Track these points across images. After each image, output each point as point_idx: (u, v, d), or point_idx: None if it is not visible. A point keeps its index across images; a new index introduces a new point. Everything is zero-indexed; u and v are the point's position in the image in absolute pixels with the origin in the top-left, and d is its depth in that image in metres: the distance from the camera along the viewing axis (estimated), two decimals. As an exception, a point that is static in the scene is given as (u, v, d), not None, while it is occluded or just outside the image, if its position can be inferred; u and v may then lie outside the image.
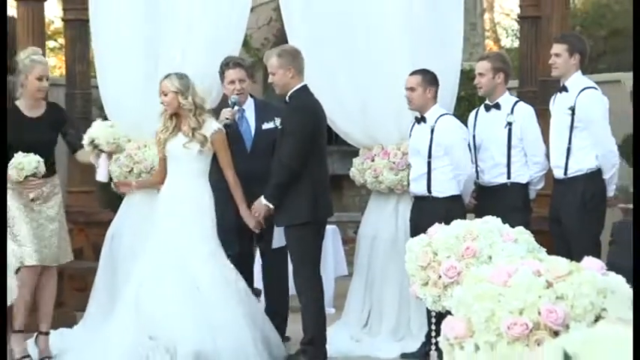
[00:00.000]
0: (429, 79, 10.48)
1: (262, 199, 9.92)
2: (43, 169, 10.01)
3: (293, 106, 10.05)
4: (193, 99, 9.94)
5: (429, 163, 10.43)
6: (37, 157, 9.95)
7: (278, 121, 10.19)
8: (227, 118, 10.54)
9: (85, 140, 10.22)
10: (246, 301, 10.10)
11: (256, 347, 9.74)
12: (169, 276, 9.89)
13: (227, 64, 10.82)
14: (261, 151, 10.50)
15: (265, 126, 10.53)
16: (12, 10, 14.34)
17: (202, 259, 10.03)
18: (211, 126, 10.17)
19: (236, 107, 10.69)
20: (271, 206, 9.94)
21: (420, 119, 10.56)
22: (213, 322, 9.66)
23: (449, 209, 9.74)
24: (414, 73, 10.49)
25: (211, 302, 9.80)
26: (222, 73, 10.84)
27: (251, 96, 11.00)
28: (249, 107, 10.70)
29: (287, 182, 10.01)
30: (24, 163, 9.84)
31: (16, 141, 9.94)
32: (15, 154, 9.85)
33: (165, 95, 9.88)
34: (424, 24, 10.99)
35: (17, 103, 10.37)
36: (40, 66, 10.35)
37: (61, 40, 15.15)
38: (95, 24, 11.25)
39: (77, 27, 13.12)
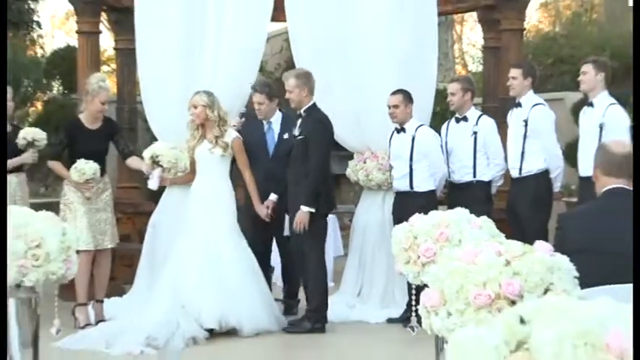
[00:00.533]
0: (408, 97, 10.54)
1: (303, 208, 9.83)
2: (98, 174, 10.24)
3: (314, 120, 10.00)
4: (218, 112, 10.07)
5: (411, 165, 10.51)
6: (96, 165, 10.14)
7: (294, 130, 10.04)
8: (233, 125, 10.70)
9: (147, 154, 10.73)
10: (258, 276, 10.29)
11: (265, 311, 10.00)
12: (198, 257, 10.09)
13: (253, 88, 10.99)
14: (280, 156, 10.37)
15: (285, 136, 10.35)
16: (73, 40, 14.30)
17: (225, 243, 10.23)
18: (231, 134, 10.33)
19: (243, 118, 11.19)
20: (313, 211, 9.87)
21: (401, 130, 10.63)
22: (233, 293, 9.88)
23: (428, 201, 9.80)
24: (395, 92, 10.54)
25: (232, 277, 10.01)
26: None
27: (280, 110, 10.94)
28: (277, 121, 10.62)
29: (319, 186, 10.03)
30: (85, 169, 10.02)
31: (78, 148, 10.18)
32: (77, 160, 9.99)
33: (196, 108, 9.97)
34: (407, 53, 10.97)
35: (80, 116, 10.47)
36: (105, 92, 10.49)
37: (113, 65, 15.13)
38: (140, 53, 11.23)
39: (126, 54, 13.05)
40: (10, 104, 11.20)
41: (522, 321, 2.62)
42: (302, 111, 10.04)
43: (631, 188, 6.14)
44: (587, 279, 4.56)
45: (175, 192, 11.26)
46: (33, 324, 6.35)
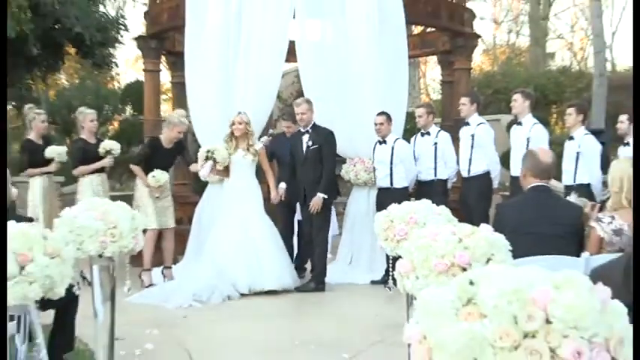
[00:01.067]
0: (389, 117, 10.59)
1: (319, 194, 10.01)
2: (168, 182, 10.67)
3: (325, 133, 10.16)
4: (250, 128, 10.32)
5: (391, 168, 10.62)
6: (167, 175, 10.57)
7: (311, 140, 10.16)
8: (262, 141, 10.71)
9: (204, 150, 10.46)
10: (281, 247, 10.34)
11: (286, 273, 10.11)
12: (233, 236, 10.13)
13: (282, 115, 12.44)
14: (309, 161, 10.23)
15: (311, 146, 10.20)
16: (141, 76, 14.26)
17: (254, 224, 10.29)
18: (258, 145, 10.52)
19: (271, 137, 11.24)
20: (326, 197, 10.07)
21: (383, 142, 10.66)
22: (261, 263, 9.97)
23: (402, 195, 9.68)
24: (380, 114, 10.56)
25: (260, 250, 10.09)
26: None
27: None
28: (306, 134, 10.33)
29: (332, 181, 10.27)
30: (160, 178, 10.38)
31: (155, 161, 10.41)
32: (154, 169, 10.34)
33: (240, 124, 10.17)
34: (386, 85, 10.87)
35: (160, 137, 10.68)
36: (184, 126, 10.71)
37: (170, 94, 15.07)
38: (189, 85, 11.18)
39: (179, 87, 12.92)
40: (94, 123, 11.20)
41: (471, 283, 2.57)
42: (309, 127, 10.19)
43: (549, 186, 6.20)
44: (517, 252, 4.55)
45: (214, 188, 11.28)
46: (110, 284, 6.31)
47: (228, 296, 9.63)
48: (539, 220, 5.95)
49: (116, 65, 17.57)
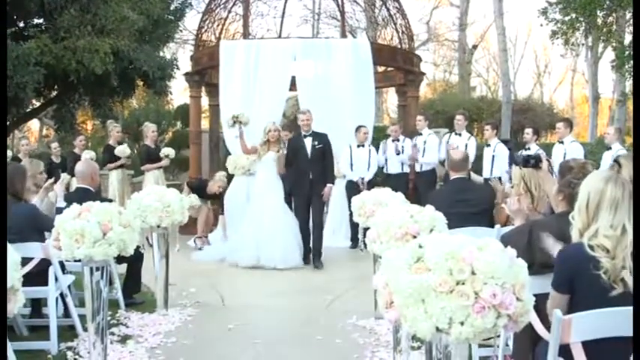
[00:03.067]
0: (367, 129, 10.49)
1: (329, 185, 8.87)
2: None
3: (325, 136, 9.01)
4: (282, 135, 9.42)
5: (368, 167, 10.42)
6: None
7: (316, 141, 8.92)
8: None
9: (230, 116, 9.52)
10: (295, 229, 8.82)
11: (296, 254, 8.70)
12: (262, 220, 8.87)
13: (283, 127, 10.65)
14: (315, 158, 8.88)
15: (317, 145, 8.90)
16: (188, 100, 14.11)
17: (275, 209, 8.94)
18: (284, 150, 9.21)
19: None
20: (333, 185, 9.00)
21: (361, 145, 10.37)
22: (272, 240, 8.68)
23: (369, 185, 9.55)
24: (363, 126, 10.47)
25: (278, 230, 8.76)
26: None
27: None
28: (309, 137, 8.95)
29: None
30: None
31: None
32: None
33: (276, 131, 9.03)
34: (360, 108, 10.59)
35: None
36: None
37: (207, 114, 14.93)
38: (222, 108, 10.97)
39: (214, 108, 12.80)
40: (155, 134, 11.08)
41: (420, 246, 2.52)
42: (312, 132, 8.97)
43: (465, 177, 6.18)
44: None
45: (238, 181, 10.53)
46: (165, 246, 6.26)
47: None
48: (459, 203, 5.81)
49: (170, 93, 17.40)
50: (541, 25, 15.09)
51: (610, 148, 9.65)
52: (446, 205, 5.29)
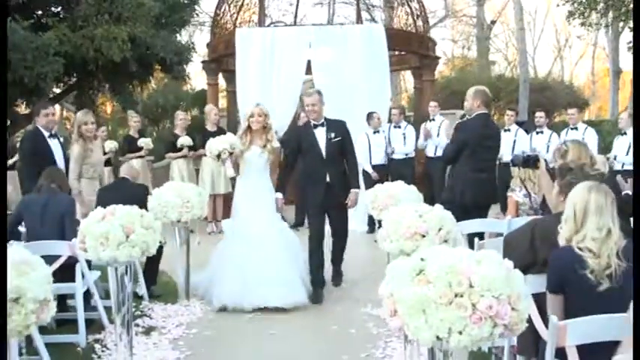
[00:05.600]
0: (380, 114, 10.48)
1: (355, 191, 6.67)
2: None
3: (343, 125, 6.83)
4: (268, 121, 6.80)
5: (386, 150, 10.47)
6: None
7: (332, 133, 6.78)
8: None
9: (213, 153, 6.59)
10: (296, 260, 6.63)
11: (296, 287, 6.35)
12: (245, 248, 6.38)
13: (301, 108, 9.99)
14: (332, 155, 6.70)
15: (333, 138, 6.70)
16: (205, 84, 14.27)
17: (266, 227, 6.52)
18: (276, 142, 7.11)
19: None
20: (359, 191, 6.75)
21: (376, 131, 10.41)
22: (262, 271, 6.27)
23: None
24: (375, 112, 10.46)
25: (270, 257, 6.39)
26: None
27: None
28: (321, 127, 6.75)
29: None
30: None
31: None
32: None
33: (260, 116, 6.68)
34: (375, 91, 10.81)
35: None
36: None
37: (225, 100, 15.09)
38: (239, 93, 11.19)
39: (231, 94, 12.99)
40: (183, 121, 11.03)
41: (422, 259, 2.70)
42: (323, 120, 6.76)
43: None
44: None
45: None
46: (186, 235, 6.51)
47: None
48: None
49: (188, 77, 17.60)
50: (557, 6, 15.04)
51: (625, 133, 9.71)
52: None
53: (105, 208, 4.50)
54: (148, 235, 4.36)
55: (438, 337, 2.56)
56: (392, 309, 2.68)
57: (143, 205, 5.68)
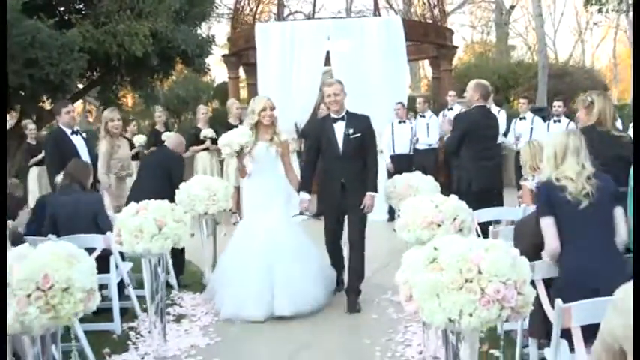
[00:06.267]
0: (404, 104, 10.77)
1: (371, 194, 6.01)
2: None
3: (366, 120, 6.17)
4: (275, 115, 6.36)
5: (411, 140, 10.71)
6: None
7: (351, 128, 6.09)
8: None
9: (229, 152, 6.19)
10: (309, 266, 6.09)
11: (309, 285, 5.98)
12: (254, 255, 5.96)
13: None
14: (350, 153, 6.06)
15: (352, 134, 6.04)
16: (224, 74, 14.50)
17: (280, 237, 5.95)
18: (283, 135, 6.49)
19: None
20: (376, 195, 6.10)
21: (402, 122, 10.62)
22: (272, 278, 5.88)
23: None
24: (400, 102, 10.71)
25: (282, 263, 5.93)
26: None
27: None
28: (340, 121, 6.10)
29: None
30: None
31: None
32: None
33: (272, 109, 6.22)
34: (393, 81, 11.09)
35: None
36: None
37: (245, 92, 15.34)
38: (260, 86, 11.46)
39: (252, 87, 13.28)
40: (205, 115, 11.18)
41: (435, 248, 2.95)
42: (344, 113, 6.12)
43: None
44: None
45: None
46: (212, 227, 6.80)
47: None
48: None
49: (208, 69, 17.89)
50: (573, -7, 15.12)
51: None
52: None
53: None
54: (179, 227, 4.66)
55: (450, 319, 2.81)
56: (407, 294, 2.94)
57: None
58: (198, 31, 17.22)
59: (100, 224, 5.69)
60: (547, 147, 4.01)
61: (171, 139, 7.37)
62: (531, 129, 10.37)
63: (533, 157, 5.37)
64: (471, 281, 2.78)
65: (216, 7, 20.30)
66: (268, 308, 5.78)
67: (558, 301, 3.20)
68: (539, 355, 4.13)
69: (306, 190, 6.25)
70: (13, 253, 3.13)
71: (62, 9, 15.13)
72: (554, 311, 3.27)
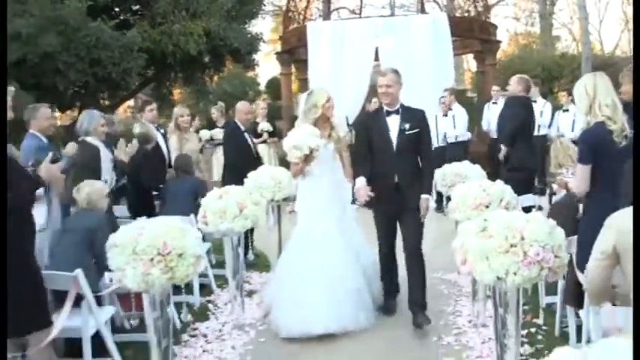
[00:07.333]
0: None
1: (425, 197, 5.48)
2: None
3: (422, 115, 5.63)
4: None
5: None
6: None
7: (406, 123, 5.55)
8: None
9: (298, 153, 5.64)
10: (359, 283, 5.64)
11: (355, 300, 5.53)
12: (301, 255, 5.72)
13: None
14: (404, 150, 5.54)
15: (407, 130, 5.51)
16: (270, 68, 15.18)
17: (332, 238, 5.66)
18: (341, 131, 6.12)
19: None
20: (430, 197, 5.63)
21: (445, 115, 10.97)
22: (322, 289, 5.44)
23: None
24: (446, 90, 11.07)
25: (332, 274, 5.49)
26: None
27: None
28: (394, 115, 5.58)
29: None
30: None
31: None
32: None
33: (329, 100, 5.83)
34: (440, 73, 11.60)
35: None
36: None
37: (294, 87, 16.00)
38: (311, 81, 12.08)
39: (303, 82, 13.97)
40: (265, 110, 11.40)
41: (485, 220, 3.58)
42: (399, 107, 5.58)
43: None
44: None
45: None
46: (277, 215, 7.50)
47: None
48: None
49: (257, 65, 18.63)
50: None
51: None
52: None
53: None
54: (257, 209, 5.38)
55: (498, 278, 3.45)
56: (462, 258, 3.58)
57: None
58: (248, 29, 18.07)
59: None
60: (577, 88, 4.38)
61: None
62: (573, 121, 10.83)
63: (557, 156, 5.76)
64: (515, 246, 3.40)
65: (264, 5, 21.14)
66: (315, 323, 5.32)
67: (605, 309, 3.73)
68: (576, 322, 4.74)
69: (364, 175, 5.61)
70: (133, 224, 3.87)
71: (118, 9, 16.04)
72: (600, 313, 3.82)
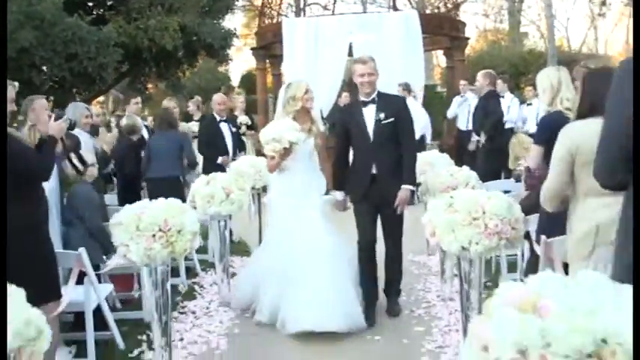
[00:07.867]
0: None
1: (406, 187, 5.34)
2: None
3: (399, 103, 5.65)
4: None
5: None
6: None
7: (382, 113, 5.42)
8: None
9: (277, 146, 5.47)
10: (345, 278, 5.44)
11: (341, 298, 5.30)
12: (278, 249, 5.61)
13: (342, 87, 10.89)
14: (380, 141, 5.41)
15: (383, 119, 5.38)
16: (241, 62, 15.57)
17: (312, 231, 5.51)
18: (321, 125, 6.22)
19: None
20: (413, 189, 5.50)
21: None
22: (305, 286, 5.26)
23: None
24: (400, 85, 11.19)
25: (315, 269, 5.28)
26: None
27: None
28: (371, 105, 5.45)
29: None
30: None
31: None
32: None
33: (310, 92, 5.77)
34: (409, 72, 12.00)
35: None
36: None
37: (269, 82, 16.43)
38: (287, 78, 12.51)
39: (277, 77, 14.44)
40: (243, 104, 11.42)
41: (451, 197, 4.09)
42: (375, 96, 5.46)
43: None
44: None
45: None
46: (258, 204, 7.94)
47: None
48: None
49: (230, 60, 18.99)
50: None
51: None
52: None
53: None
54: (242, 194, 5.86)
55: (462, 248, 3.96)
56: (431, 231, 4.09)
57: None
58: (223, 24, 18.48)
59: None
60: (541, 81, 4.64)
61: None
62: (537, 114, 11.41)
63: (514, 150, 6.25)
64: (478, 219, 3.91)
65: (237, 1, 21.56)
66: (296, 320, 5.19)
67: (543, 237, 4.33)
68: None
69: (340, 189, 5.67)
70: (136, 204, 4.32)
71: (94, 4, 16.37)
72: (541, 245, 4.38)
